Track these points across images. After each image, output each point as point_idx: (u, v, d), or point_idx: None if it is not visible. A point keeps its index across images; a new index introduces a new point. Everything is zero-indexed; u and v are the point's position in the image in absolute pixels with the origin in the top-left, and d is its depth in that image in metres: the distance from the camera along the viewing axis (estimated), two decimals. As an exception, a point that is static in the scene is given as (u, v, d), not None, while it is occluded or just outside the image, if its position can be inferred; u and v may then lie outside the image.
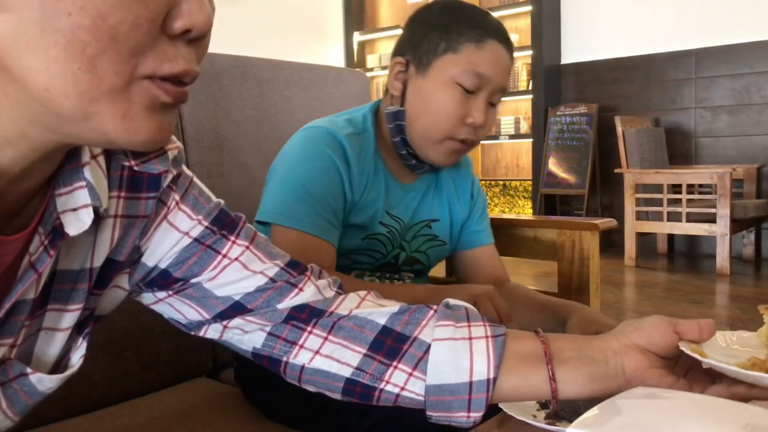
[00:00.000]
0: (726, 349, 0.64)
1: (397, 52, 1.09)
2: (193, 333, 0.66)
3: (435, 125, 1.03)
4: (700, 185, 4.68)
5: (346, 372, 0.64)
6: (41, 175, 0.47)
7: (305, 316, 0.64)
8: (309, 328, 0.64)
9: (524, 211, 5.80)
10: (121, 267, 0.57)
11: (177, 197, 0.59)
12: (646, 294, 3.69)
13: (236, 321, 0.63)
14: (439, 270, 1.31)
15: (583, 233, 1.34)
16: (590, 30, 5.21)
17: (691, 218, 4.25)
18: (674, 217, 4.31)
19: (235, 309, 0.63)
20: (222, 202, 0.64)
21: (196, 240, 0.60)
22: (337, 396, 0.66)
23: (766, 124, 4.60)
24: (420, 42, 1.05)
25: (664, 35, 4.88)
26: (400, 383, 0.63)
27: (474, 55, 1.01)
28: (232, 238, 0.62)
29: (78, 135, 0.43)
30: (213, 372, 1.25)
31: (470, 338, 0.62)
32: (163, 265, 0.60)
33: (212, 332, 0.65)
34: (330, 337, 0.64)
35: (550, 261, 1.40)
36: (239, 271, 0.62)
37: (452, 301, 0.69)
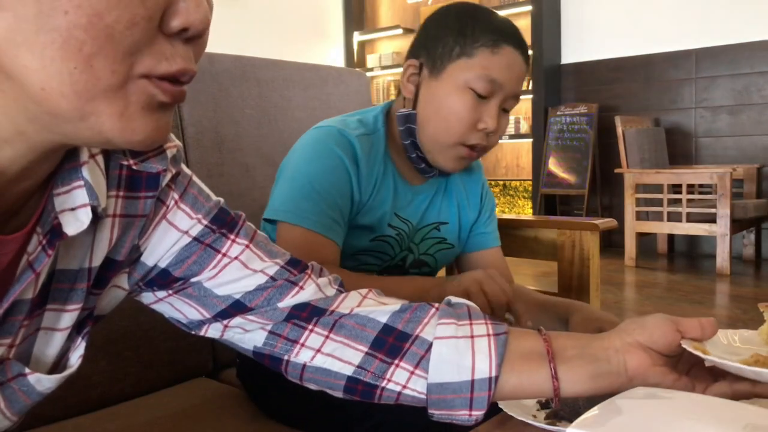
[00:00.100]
0: (728, 347, 0.64)
1: (411, 54, 1.08)
2: (193, 332, 0.66)
3: (446, 130, 1.03)
4: (700, 185, 4.68)
5: (348, 370, 0.64)
6: (39, 175, 0.47)
7: (306, 314, 0.64)
8: (310, 327, 0.64)
9: (524, 211, 5.80)
10: (120, 266, 0.57)
11: (176, 196, 0.59)
12: (646, 294, 3.69)
13: (237, 320, 0.63)
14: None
15: (583, 233, 1.34)
16: (590, 30, 5.21)
17: (691, 218, 4.25)
18: (674, 217, 4.31)
19: (236, 308, 0.63)
20: (221, 200, 0.64)
21: (195, 239, 0.60)
22: (339, 394, 0.66)
23: (766, 124, 4.60)
24: (435, 45, 1.04)
25: (664, 35, 4.88)
26: (402, 381, 0.63)
27: (488, 61, 1.00)
28: (232, 236, 0.62)
29: (75, 134, 0.42)
30: (213, 372, 1.25)
31: (472, 336, 0.62)
32: (162, 265, 0.60)
33: (213, 331, 0.65)
34: (331, 335, 0.64)
35: (550, 261, 1.40)
36: (239, 270, 0.62)
37: (454, 299, 0.69)
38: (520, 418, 0.64)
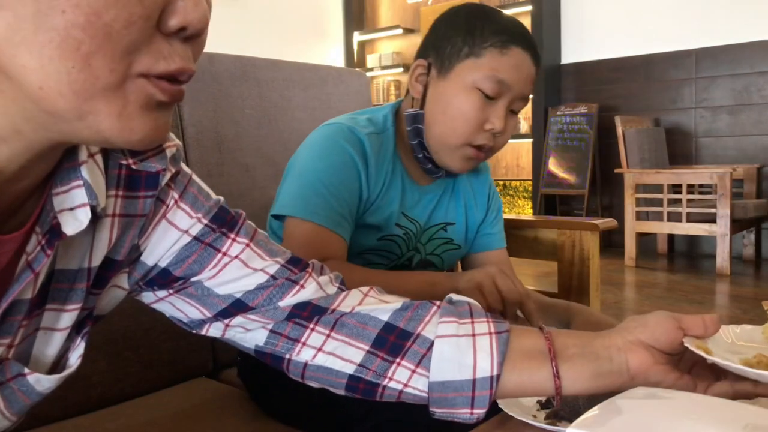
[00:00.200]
0: (731, 345, 0.64)
1: (420, 54, 1.08)
2: (195, 331, 0.66)
3: (453, 130, 1.02)
4: (700, 185, 4.68)
5: (349, 369, 0.64)
6: (38, 174, 0.47)
7: (307, 313, 0.64)
8: (311, 326, 0.64)
9: (524, 211, 5.80)
10: (120, 266, 0.57)
11: (176, 195, 0.59)
12: (646, 294, 3.69)
13: (238, 319, 0.63)
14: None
15: (584, 233, 1.34)
16: (590, 30, 5.21)
17: (691, 218, 4.25)
18: (674, 217, 4.31)
19: (236, 307, 0.63)
20: (221, 199, 0.63)
21: (195, 238, 0.60)
22: (341, 392, 0.66)
23: (766, 124, 4.60)
24: (443, 45, 1.04)
25: (664, 35, 4.88)
26: (404, 380, 0.63)
27: (496, 61, 1.00)
28: (232, 235, 0.62)
29: (73, 133, 0.42)
30: (213, 372, 1.25)
31: (473, 335, 0.62)
32: (162, 264, 0.60)
33: (214, 330, 0.65)
34: (333, 334, 0.64)
35: (551, 261, 1.40)
36: (240, 269, 0.62)
37: (455, 297, 0.68)
38: (520, 418, 0.64)
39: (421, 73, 1.07)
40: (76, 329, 0.54)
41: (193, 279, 0.61)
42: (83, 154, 0.49)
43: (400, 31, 6.38)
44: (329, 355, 0.64)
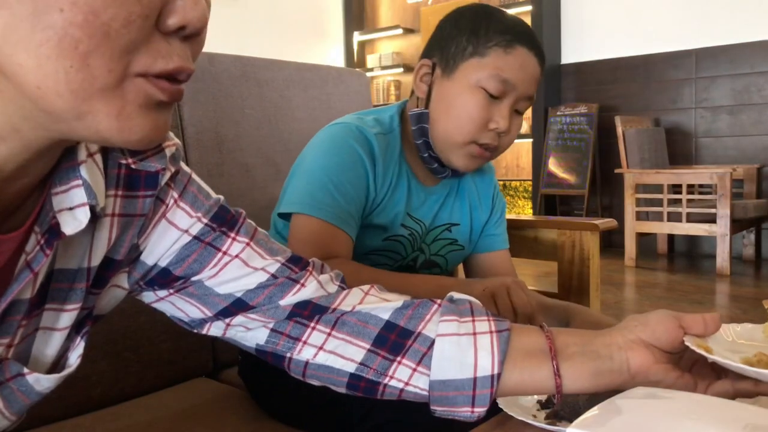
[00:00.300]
0: (732, 344, 0.63)
1: (425, 54, 1.08)
2: (195, 331, 0.66)
3: (457, 128, 1.02)
4: (700, 185, 4.68)
5: (350, 367, 0.64)
6: (36, 174, 0.47)
7: (308, 312, 0.64)
8: (312, 324, 0.64)
9: (524, 211, 5.80)
10: (120, 266, 0.57)
11: (175, 195, 0.59)
12: (646, 294, 3.69)
13: (239, 318, 0.63)
14: (458, 272, 1.31)
15: (584, 233, 1.34)
16: (590, 30, 5.21)
17: (691, 218, 4.25)
18: (674, 218, 4.31)
19: (237, 306, 0.63)
20: (221, 198, 0.63)
21: (195, 237, 0.60)
22: (342, 390, 0.66)
23: (766, 124, 4.60)
24: (448, 45, 1.04)
25: (664, 35, 4.88)
26: (404, 378, 0.63)
27: (501, 61, 1.00)
28: (232, 234, 0.62)
29: (72, 133, 0.42)
30: (213, 372, 1.25)
31: (474, 333, 0.62)
32: (162, 264, 0.60)
33: (215, 330, 0.65)
34: (333, 332, 0.64)
35: (551, 261, 1.40)
36: (240, 268, 0.62)
37: (456, 296, 0.68)
38: (520, 418, 0.64)
39: (425, 73, 1.07)
40: (75, 329, 0.54)
41: (194, 278, 0.61)
42: (82, 153, 0.49)
43: (400, 31, 6.38)
44: (330, 354, 0.64)
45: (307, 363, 0.64)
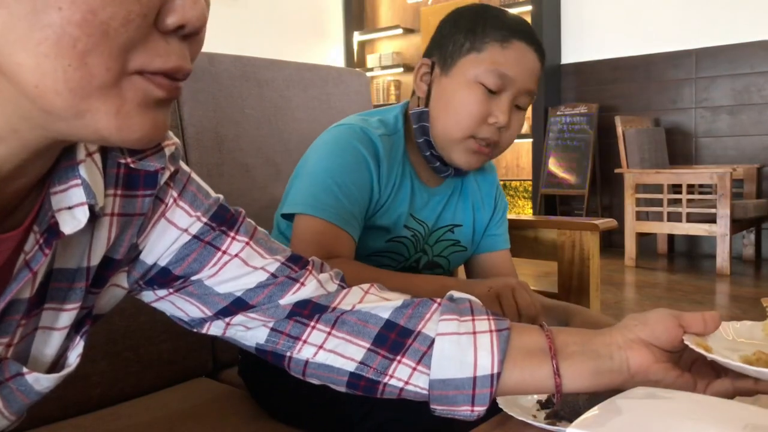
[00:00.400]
0: (732, 342, 0.63)
1: (425, 54, 1.09)
2: (195, 330, 0.66)
3: (455, 124, 1.02)
4: (700, 185, 4.68)
5: (350, 366, 0.64)
6: (35, 173, 0.46)
7: (308, 312, 0.64)
8: (312, 324, 0.64)
9: (524, 211, 5.80)
10: (119, 265, 0.57)
11: (175, 194, 0.59)
12: (646, 294, 3.69)
13: (239, 318, 0.63)
14: (460, 273, 1.30)
15: (584, 233, 1.34)
16: (590, 30, 5.21)
17: (691, 218, 4.24)
18: (674, 217, 4.31)
19: (237, 305, 0.63)
20: (221, 197, 0.63)
21: (195, 237, 0.60)
22: (342, 389, 0.66)
23: (766, 124, 4.60)
24: (446, 43, 1.04)
25: (664, 35, 4.88)
26: (404, 377, 0.63)
27: (498, 55, 1.00)
28: (232, 234, 0.62)
29: (71, 132, 0.42)
30: (213, 372, 1.25)
31: (474, 333, 0.62)
32: (162, 263, 0.60)
33: (215, 329, 0.65)
34: (333, 331, 0.64)
35: (551, 261, 1.40)
36: (240, 268, 0.62)
37: (456, 295, 0.68)
38: (520, 418, 0.64)
39: (425, 72, 1.07)
40: (75, 328, 0.54)
41: (193, 278, 0.61)
42: (81, 153, 0.49)
43: (400, 31, 6.38)
44: (330, 353, 0.64)
45: (307, 362, 0.64)
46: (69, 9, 0.37)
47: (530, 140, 5.55)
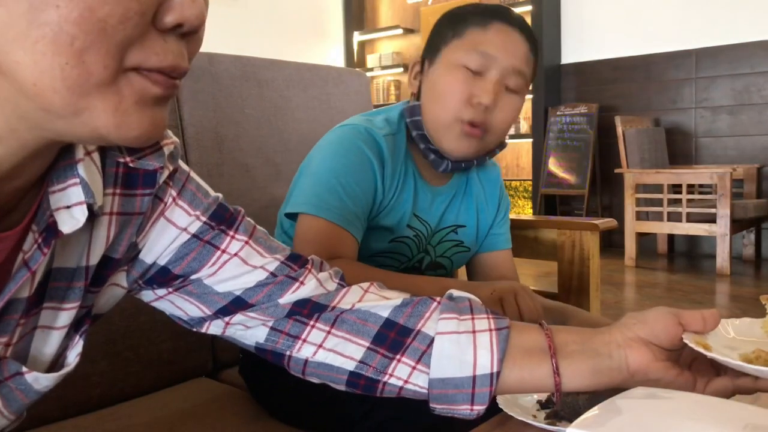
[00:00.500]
0: (731, 340, 0.63)
1: (422, 56, 1.11)
2: (195, 329, 0.66)
3: (442, 108, 1.02)
4: (700, 185, 4.68)
5: (350, 365, 0.64)
6: (33, 172, 0.46)
7: (307, 311, 0.64)
8: (311, 323, 0.64)
9: (524, 211, 5.80)
10: (118, 264, 0.57)
11: (174, 193, 0.59)
12: (646, 294, 3.69)
13: (238, 317, 0.63)
14: (461, 273, 1.30)
15: (584, 233, 1.34)
16: (590, 30, 5.21)
17: (691, 218, 4.24)
18: (674, 217, 4.31)
19: (236, 304, 0.63)
20: (220, 196, 0.63)
21: (194, 236, 0.60)
22: (341, 387, 0.66)
23: (766, 124, 4.60)
24: (434, 39, 1.07)
25: (664, 35, 4.88)
26: (404, 376, 0.63)
27: (478, 36, 1.01)
28: (231, 233, 0.62)
29: (69, 131, 0.42)
30: (213, 372, 1.25)
31: (474, 331, 0.62)
32: (161, 262, 0.60)
33: (214, 328, 0.65)
34: (333, 330, 0.64)
35: (551, 261, 1.40)
36: (239, 267, 0.62)
37: (456, 293, 0.68)
38: (520, 418, 0.64)
39: (417, 71, 1.09)
40: (74, 328, 0.54)
41: (193, 277, 0.61)
42: (80, 152, 0.49)
43: (400, 31, 6.38)
44: (330, 352, 0.64)
45: (306, 361, 0.64)
46: (67, 7, 0.37)
47: (530, 140, 5.55)
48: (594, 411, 0.51)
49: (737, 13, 4.57)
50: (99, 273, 0.55)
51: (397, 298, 0.67)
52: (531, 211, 5.64)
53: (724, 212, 4.07)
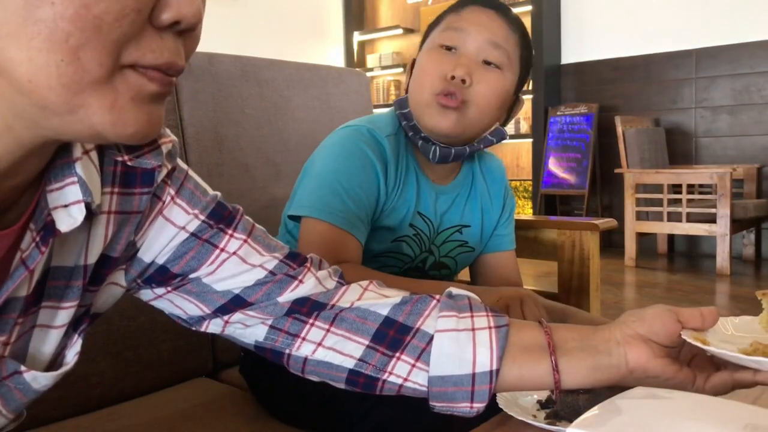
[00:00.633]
0: (730, 336, 0.63)
1: None
2: (194, 328, 0.66)
3: (420, 88, 1.03)
4: (700, 185, 4.68)
5: (349, 363, 0.64)
6: (30, 171, 0.46)
7: (306, 309, 0.64)
8: (311, 321, 0.64)
9: (524, 211, 5.80)
10: (116, 263, 0.57)
11: (172, 192, 0.59)
12: (646, 294, 3.68)
13: (237, 315, 0.63)
14: (464, 273, 1.30)
15: (584, 233, 1.34)
16: (590, 30, 5.21)
17: (691, 218, 4.24)
18: (674, 217, 4.31)
19: (235, 303, 0.63)
20: (218, 194, 0.63)
21: (192, 234, 0.60)
22: (341, 385, 0.66)
23: (766, 124, 4.60)
24: (422, 39, 1.10)
25: (664, 35, 4.88)
26: (403, 374, 0.63)
27: (452, 18, 1.05)
28: (230, 231, 0.62)
29: (65, 128, 0.42)
30: (213, 372, 1.25)
31: (473, 329, 0.62)
32: (160, 261, 0.60)
33: (214, 327, 0.65)
34: (332, 329, 0.64)
35: (551, 261, 1.40)
36: (238, 265, 0.62)
37: (455, 291, 0.68)
38: (520, 418, 0.64)
39: (410, 69, 1.11)
40: (73, 326, 0.54)
41: (192, 276, 0.61)
42: (77, 150, 0.49)
43: (400, 31, 6.38)
44: (329, 350, 0.64)
45: (306, 359, 0.64)
46: (62, 4, 0.37)
47: (530, 140, 5.55)
48: (594, 411, 0.51)
49: (737, 13, 4.57)
50: (97, 272, 0.55)
51: (396, 296, 0.67)
52: (531, 211, 5.64)
53: (724, 212, 4.07)
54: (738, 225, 4.23)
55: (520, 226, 1.43)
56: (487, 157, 1.21)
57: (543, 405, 0.71)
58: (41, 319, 0.51)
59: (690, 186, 4.44)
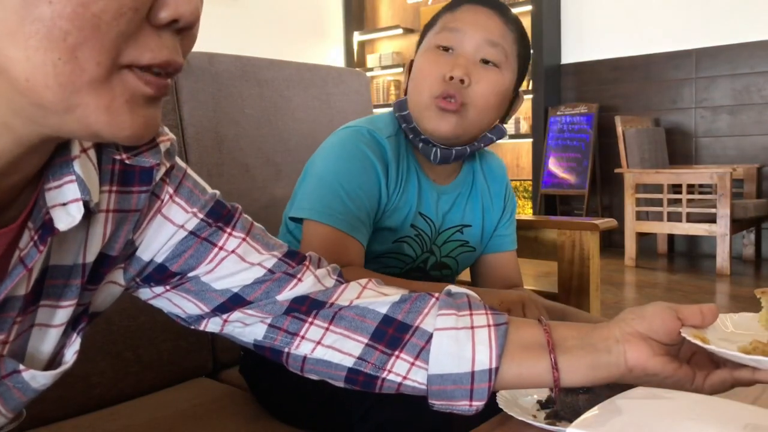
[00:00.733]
0: (729, 333, 0.63)
1: None
2: (193, 327, 0.66)
3: (419, 90, 1.03)
4: (700, 185, 4.68)
5: (349, 362, 0.64)
6: (29, 169, 0.46)
7: (305, 307, 0.64)
8: (310, 319, 0.64)
9: (524, 211, 5.80)
10: (115, 262, 0.57)
11: (171, 190, 0.59)
12: (646, 294, 3.68)
13: (236, 314, 0.63)
14: (464, 274, 1.31)
15: (584, 233, 1.34)
16: (590, 30, 5.21)
17: (691, 218, 4.24)
18: (674, 217, 4.31)
19: (234, 301, 0.62)
20: (217, 193, 0.63)
21: (191, 233, 0.60)
22: (340, 384, 0.66)
23: (766, 124, 4.60)
24: (419, 40, 1.10)
25: (664, 35, 4.88)
26: (403, 373, 0.63)
27: (447, 18, 1.04)
28: (228, 229, 0.62)
29: (63, 127, 0.42)
30: (213, 372, 1.25)
31: (472, 327, 0.62)
32: (159, 260, 0.60)
33: (212, 326, 0.65)
34: (331, 327, 0.64)
35: (551, 261, 1.40)
36: (236, 264, 0.62)
37: (454, 289, 0.68)
38: (520, 418, 0.64)
39: (407, 70, 1.11)
40: (71, 325, 0.54)
41: (190, 274, 0.61)
42: (76, 148, 0.49)
43: (400, 31, 6.38)
44: (328, 349, 0.64)
45: (305, 358, 0.64)
46: (60, 2, 0.37)
47: (530, 140, 5.55)
48: (594, 411, 0.51)
49: (737, 13, 4.57)
50: (96, 270, 0.55)
51: (395, 294, 0.67)
52: (531, 211, 5.64)
53: (724, 212, 4.07)
54: (738, 225, 4.23)
55: (521, 226, 1.43)
56: (488, 156, 1.21)
57: (543, 405, 0.71)
58: (40, 317, 0.51)
59: (690, 186, 4.44)
